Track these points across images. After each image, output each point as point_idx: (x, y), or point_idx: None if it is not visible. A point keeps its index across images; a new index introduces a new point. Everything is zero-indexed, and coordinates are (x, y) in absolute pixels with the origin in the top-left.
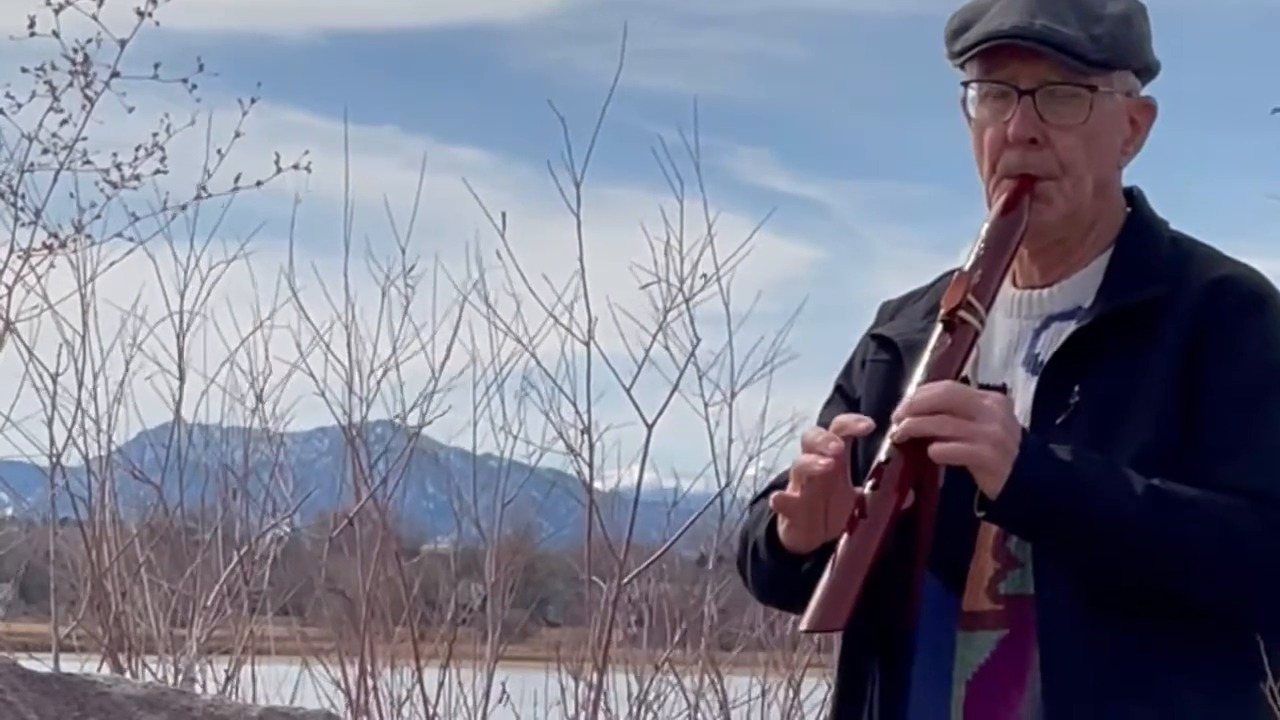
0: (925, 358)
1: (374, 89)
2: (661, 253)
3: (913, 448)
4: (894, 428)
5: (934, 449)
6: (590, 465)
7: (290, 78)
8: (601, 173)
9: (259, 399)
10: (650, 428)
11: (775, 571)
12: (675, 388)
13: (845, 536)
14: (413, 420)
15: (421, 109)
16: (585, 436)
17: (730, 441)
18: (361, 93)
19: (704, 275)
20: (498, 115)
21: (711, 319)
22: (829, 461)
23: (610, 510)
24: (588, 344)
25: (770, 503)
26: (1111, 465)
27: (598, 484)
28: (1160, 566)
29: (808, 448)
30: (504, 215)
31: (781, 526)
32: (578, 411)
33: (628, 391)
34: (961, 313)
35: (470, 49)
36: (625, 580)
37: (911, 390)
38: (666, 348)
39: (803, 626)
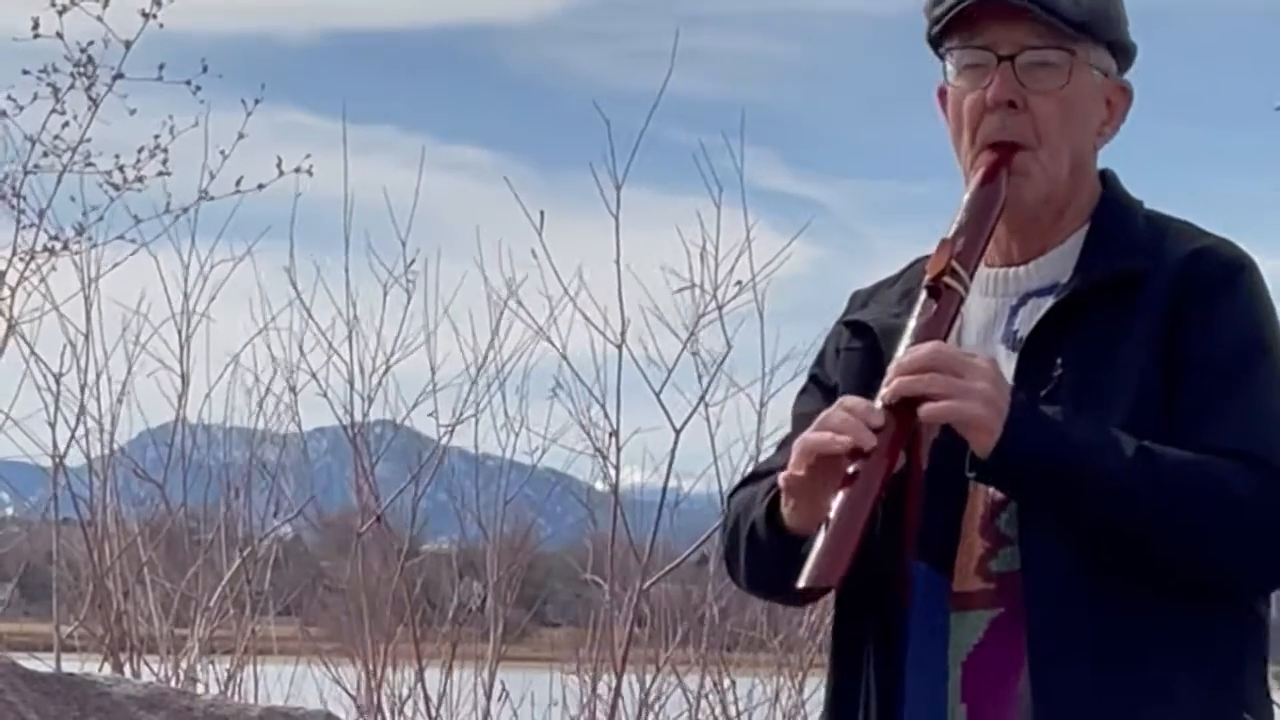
0: (911, 324)
1: (373, 88)
2: (690, 257)
3: (903, 408)
4: (884, 389)
5: (924, 409)
6: (617, 468)
7: (290, 78)
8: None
9: (263, 398)
10: (678, 432)
11: (774, 551)
12: (704, 395)
13: (839, 496)
14: (422, 419)
15: (421, 108)
16: (613, 439)
17: (759, 443)
18: (361, 92)
19: (739, 282)
20: (497, 114)
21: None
22: (848, 441)
23: (614, 511)
24: (620, 347)
25: (780, 482)
26: (1101, 425)
27: (599, 485)
28: (1151, 524)
29: (834, 428)
30: (542, 215)
31: (786, 507)
32: (606, 414)
33: (657, 396)
34: (946, 278)
35: (469, 49)
36: (648, 585)
37: (900, 353)
38: (697, 353)
39: (800, 583)
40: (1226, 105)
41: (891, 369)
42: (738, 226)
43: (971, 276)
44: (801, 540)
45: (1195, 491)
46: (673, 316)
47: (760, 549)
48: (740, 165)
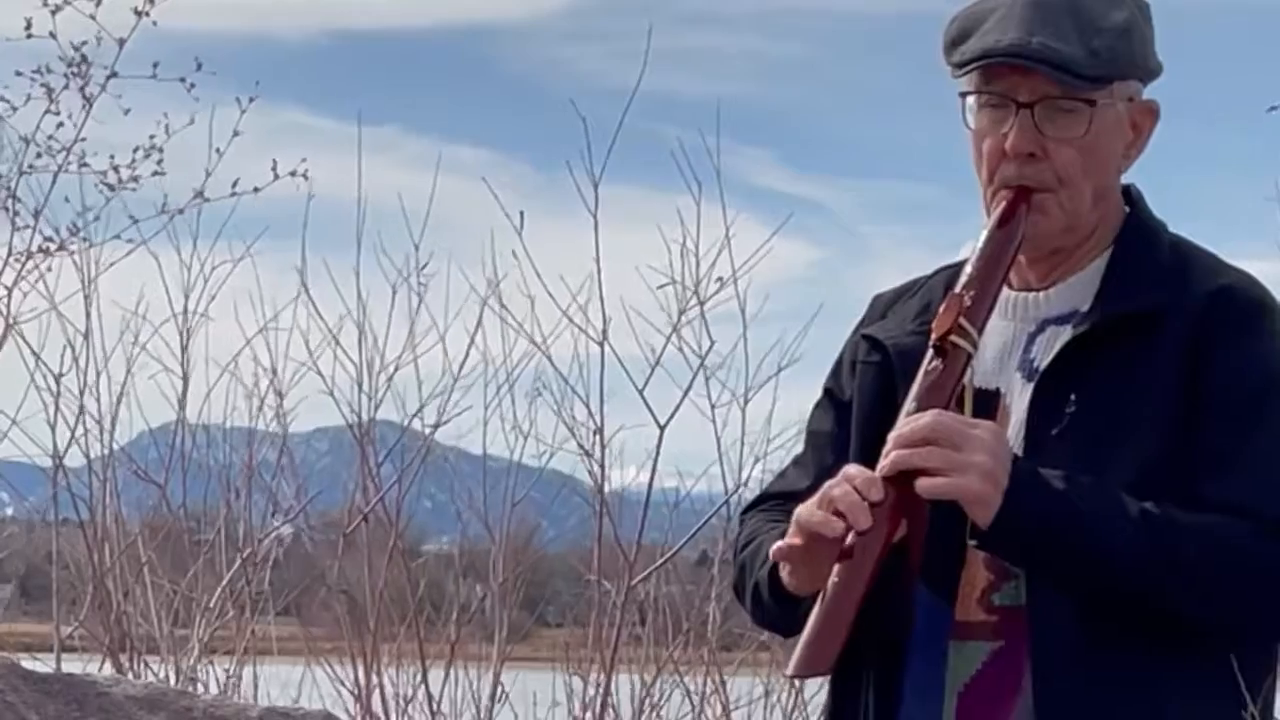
0: (916, 384)
1: (373, 88)
2: (676, 255)
3: (902, 480)
4: (883, 460)
5: (921, 484)
6: (603, 466)
7: (289, 77)
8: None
9: (264, 398)
10: (663, 429)
11: (777, 608)
12: (687, 391)
13: (834, 573)
14: (423, 419)
15: (421, 108)
16: (597, 437)
17: (743, 446)
18: (361, 92)
19: (719, 279)
20: (497, 114)
21: (717, 319)
22: (841, 528)
23: (615, 511)
24: (602, 344)
25: (771, 554)
26: (1105, 491)
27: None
28: (1157, 590)
29: (835, 500)
30: (522, 215)
31: (784, 572)
32: (590, 412)
33: (640, 393)
34: (953, 337)
35: (470, 49)
36: (634, 582)
37: (901, 420)
38: (681, 350)
39: (788, 671)
40: (1217, 105)
41: (891, 439)
42: (731, 224)
43: (981, 331)
44: (803, 600)
45: (1200, 556)
46: (657, 314)
47: (765, 606)
48: (717, 160)
